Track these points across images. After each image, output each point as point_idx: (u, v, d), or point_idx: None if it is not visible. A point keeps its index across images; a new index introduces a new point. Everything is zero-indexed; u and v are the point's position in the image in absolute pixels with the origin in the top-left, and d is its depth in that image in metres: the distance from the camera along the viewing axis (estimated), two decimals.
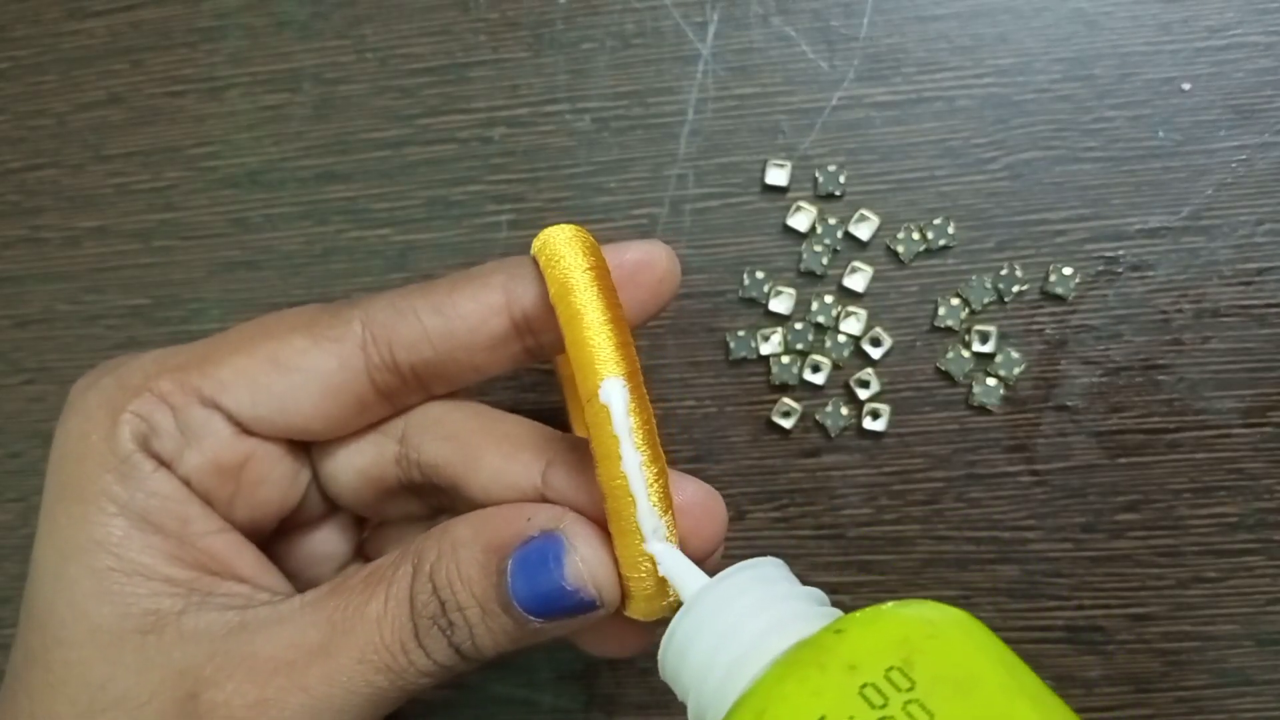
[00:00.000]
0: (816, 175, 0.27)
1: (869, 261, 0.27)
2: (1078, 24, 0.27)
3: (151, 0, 0.30)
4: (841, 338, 0.27)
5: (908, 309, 0.27)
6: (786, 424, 0.27)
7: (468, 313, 0.21)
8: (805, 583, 0.28)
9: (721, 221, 0.28)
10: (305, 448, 0.23)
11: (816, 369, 0.27)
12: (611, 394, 0.18)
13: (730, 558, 0.28)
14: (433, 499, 0.23)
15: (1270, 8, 0.26)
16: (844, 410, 0.27)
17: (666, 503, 0.19)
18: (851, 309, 0.27)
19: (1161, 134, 0.27)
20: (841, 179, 0.27)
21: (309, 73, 0.29)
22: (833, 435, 0.27)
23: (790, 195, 0.27)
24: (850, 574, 0.27)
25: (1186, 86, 0.27)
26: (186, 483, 0.21)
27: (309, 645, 0.20)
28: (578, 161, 0.28)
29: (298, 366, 0.21)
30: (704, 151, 0.28)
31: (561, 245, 0.20)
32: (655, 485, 0.18)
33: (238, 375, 0.21)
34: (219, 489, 0.22)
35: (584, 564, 0.19)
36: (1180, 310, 0.27)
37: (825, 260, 0.27)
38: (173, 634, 0.20)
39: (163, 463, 0.21)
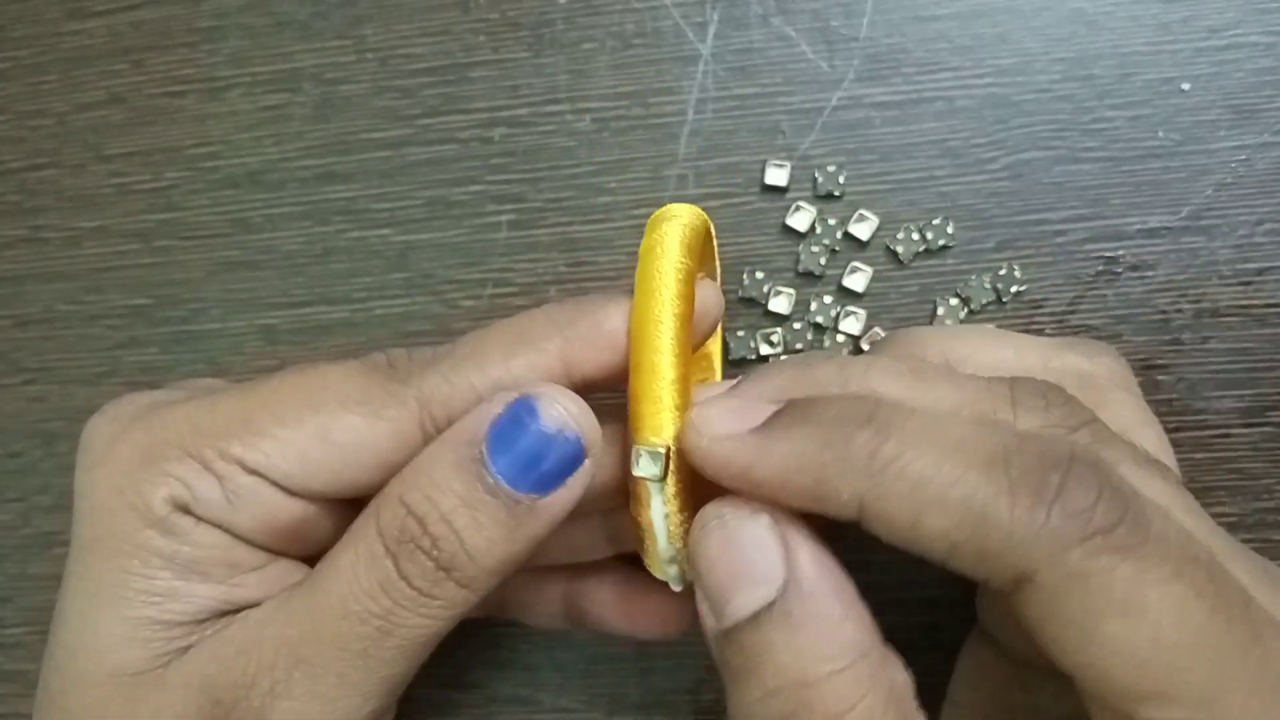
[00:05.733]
0: (816, 175, 0.27)
1: (868, 261, 0.27)
2: (1078, 24, 0.27)
3: (152, 0, 0.30)
4: (841, 338, 0.27)
5: (907, 309, 0.27)
6: None
7: (526, 380, 0.20)
8: None
9: (721, 221, 0.28)
10: None
11: None
12: (647, 468, 0.19)
13: None
14: None
15: (1270, 8, 0.26)
16: None
17: (683, 531, 0.19)
18: (851, 309, 0.27)
19: (1161, 134, 0.27)
20: (841, 179, 0.27)
21: (309, 73, 0.29)
22: None
23: (790, 195, 0.27)
24: (848, 571, 0.27)
25: (1186, 86, 0.27)
26: (238, 535, 0.21)
27: (300, 617, 0.19)
28: (578, 161, 0.28)
29: (352, 444, 0.20)
30: (704, 152, 0.28)
31: (659, 252, 0.20)
32: (676, 519, 0.19)
33: (285, 448, 0.20)
34: (276, 544, 0.21)
35: (561, 408, 0.19)
36: (1180, 310, 0.27)
37: (823, 260, 0.27)
38: (190, 653, 0.20)
39: (207, 521, 0.21)
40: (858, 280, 0.27)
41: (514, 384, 0.20)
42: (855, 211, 0.27)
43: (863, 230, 0.27)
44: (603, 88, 0.28)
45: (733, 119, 0.28)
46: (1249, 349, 0.26)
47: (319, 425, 0.20)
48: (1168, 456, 0.21)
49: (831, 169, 0.27)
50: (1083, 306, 0.27)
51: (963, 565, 0.16)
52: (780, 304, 0.27)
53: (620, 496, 0.21)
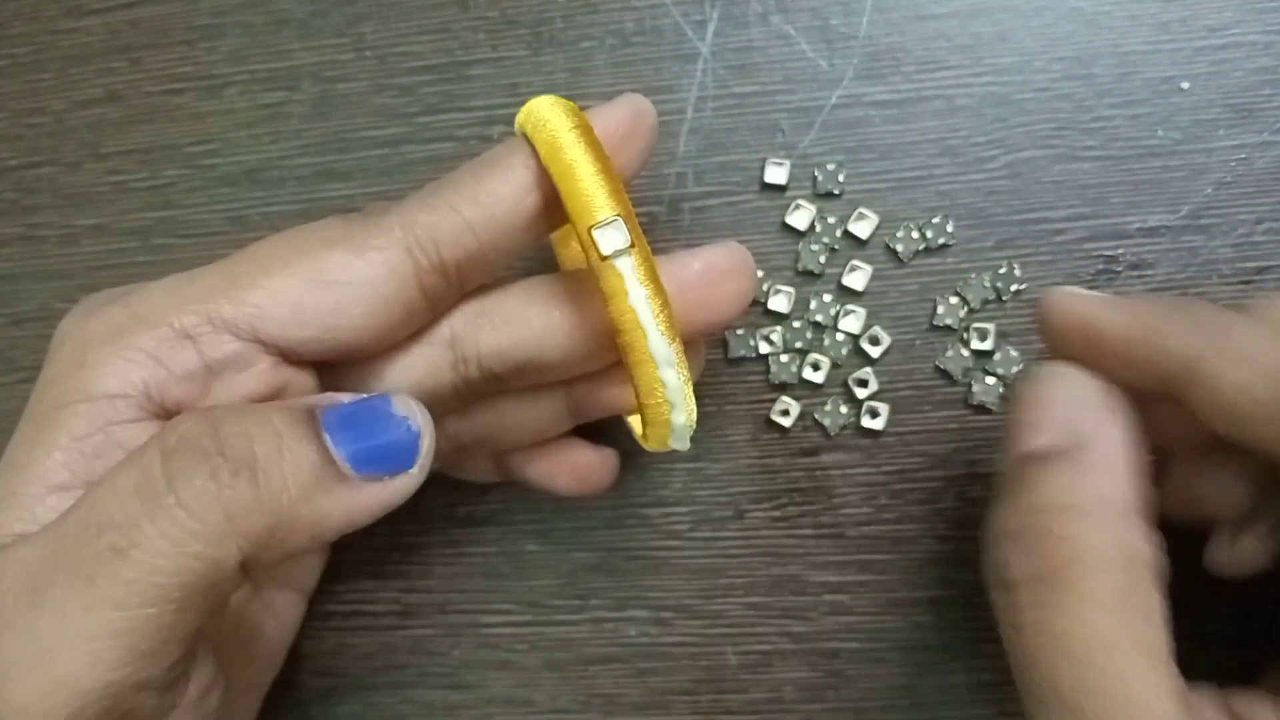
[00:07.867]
0: (815, 174, 0.27)
1: (868, 260, 0.27)
2: (1077, 23, 0.27)
3: None
4: (840, 336, 0.27)
5: (907, 307, 0.27)
6: (785, 422, 0.27)
7: (503, 196, 0.21)
8: (805, 582, 0.27)
9: (720, 220, 0.28)
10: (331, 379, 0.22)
11: (815, 368, 0.27)
12: (612, 234, 0.19)
13: (729, 557, 0.28)
14: (482, 394, 0.23)
15: (1268, 7, 0.26)
16: (843, 409, 0.27)
17: (673, 331, 0.20)
18: (850, 307, 0.27)
19: (1160, 132, 0.27)
20: (840, 177, 0.27)
21: (308, 71, 0.29)
22: (832, 434, 0.27)
23: (789, 194, 0.27)
24: (850, 573, 0.27)
25: (1185, 85, 0.27)
26: None
27: (47, 536, 0.18)
28: None
29: (345, 280, 0.20)
30: (703, 150, 0.28)
31: (545, 110, 0.21)
32: (662, 315, 0.20)
33: (276, 298, 0.20)
34: None
35: (408, 406, 0.19)
36: None
37: (822, 259, 0.27)
38: None
39: (167, 410, 0.20)
40: (857, 279, 0.27)
41: (489, 199, 0.21)
42: (855, 210, 0.27)
43: (862, 229, 0.27)
44: (602, 86, 0.28)
45: (732, 117, 0.28)
46: None
47: (309, 268, 0.20)
48: None
49: (831, 167, 0.27)
50: None
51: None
52: (779, 302, 0.27)
53: (588, 354, 0.21)
